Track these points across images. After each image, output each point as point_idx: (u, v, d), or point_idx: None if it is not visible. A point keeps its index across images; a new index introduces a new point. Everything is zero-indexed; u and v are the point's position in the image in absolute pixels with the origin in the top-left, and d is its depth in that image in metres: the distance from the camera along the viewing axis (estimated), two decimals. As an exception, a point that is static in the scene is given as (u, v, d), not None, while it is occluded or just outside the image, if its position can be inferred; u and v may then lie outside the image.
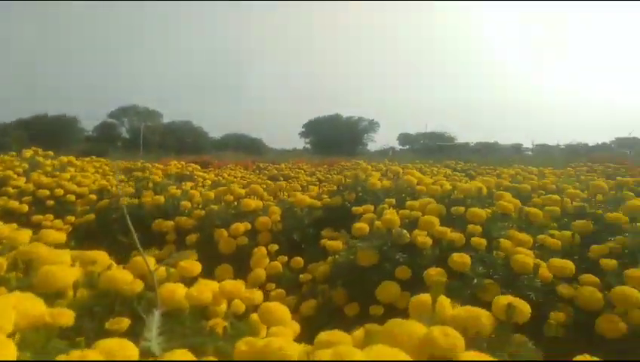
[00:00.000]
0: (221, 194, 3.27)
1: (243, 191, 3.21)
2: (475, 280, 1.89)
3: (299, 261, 2.66)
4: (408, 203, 2.60)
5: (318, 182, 7.56)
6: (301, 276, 2.49)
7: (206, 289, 1.29)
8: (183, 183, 4.01)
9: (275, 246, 2.70)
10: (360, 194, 3.39)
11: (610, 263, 1.95)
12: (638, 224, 2.17)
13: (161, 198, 3.36)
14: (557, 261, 1.98)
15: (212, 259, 2.88)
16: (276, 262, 2.60)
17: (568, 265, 1.96)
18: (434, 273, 1.86)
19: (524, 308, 1.03)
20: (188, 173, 6.22)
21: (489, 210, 2.41)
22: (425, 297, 1.05)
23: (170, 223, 3.15)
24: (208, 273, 2.67)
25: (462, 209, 2.36)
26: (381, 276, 2.09)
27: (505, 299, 1.02)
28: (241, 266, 2.76)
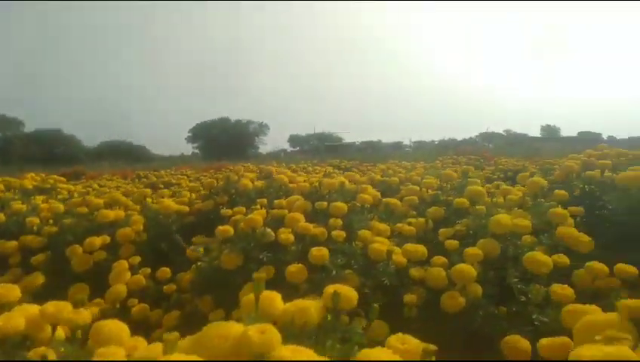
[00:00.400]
0: (73, 206, 2.94)
1: (101, 201, 2.93)
2: (334, 272, 1.93)
3: (165, 271, 2.50)
4: (276, 201, 2.60)
5: (202, 188, 7.28)
6: (165, 287, 2.34)
7: (16, 316, 1.11)
8: (32, 197, 3.54)
9: (138, 259, 2.51)
10: (233, 196, 3.32)
11: (452, 244, 2.14)
12: (477, 207, 2.41)
13: (1, 216, 2.92)
14: (410, 246, 2.12)
15: (67, 279, 2.59)
16: (139, 275, 2.41)
17: (420, 249, 2.11)
18: (294, 269, 1.87)
19: (351, 295, 1.06)
20: (49, 185, 5.55)
21: (352, 204, 2.50)
22: (252, 296, 1.03)
23: (13, 244, 2.75)
24: (62, 295, 2.39)
25: (325, 204, 2.41)
26: (246, 278, 2.04)
27: (332, 288, 1.04)
28: (100, 284, 2.51)
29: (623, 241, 2.23)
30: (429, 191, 3.09)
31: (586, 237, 2.02)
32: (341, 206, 2.34)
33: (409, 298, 1.93)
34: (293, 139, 42.85)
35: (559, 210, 2.11)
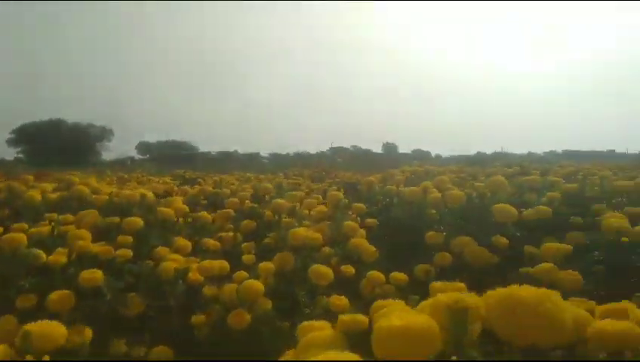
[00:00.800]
0: None
1: None
2: (109, 296, 1.73)
3: None
4: (61, 216, 2.27)
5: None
6: None
7: None
8: None
9: None
10: (20, 210, 2.83)
11: (249, 258, 2.11)
12: (284, 220, 2.44)
13: None
14: (206, 262, 2.01)
15: None
16: None
17: (216, 264, 2.02)
18: (56, 297, 1.61)
19: (55, 333, 0.90)
20: None
21: (153, 218, 2.31)
22: None
23: None
24: None
25: (117, 219, 2.18)
26: (3, 308, 1.71)
27: (28, 327, 0.87)
28: None
29: (408, 249, 2.47)
30: (247, 203, 3.05)
31: (372, 248, 2.16)
32: (135, 221, 2.14)
33: (197, 319, 1.83)
34: (143, 146, 39.80)
35: (351, 222, 2.24)
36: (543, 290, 0.56)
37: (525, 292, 0.56)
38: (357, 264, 2.15)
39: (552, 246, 2.05)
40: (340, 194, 2.59)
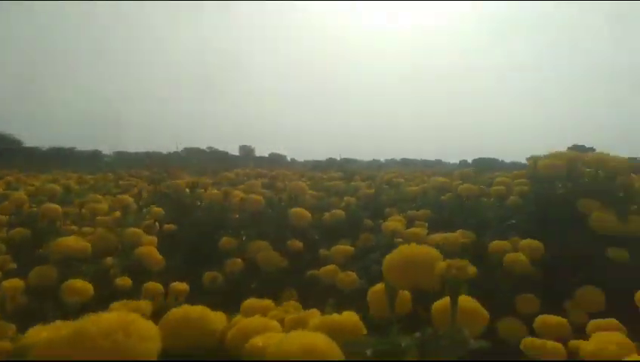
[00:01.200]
0: None
1: None
2: None
3: None
4: None
5: None
6: None
7: None
8: None
9: None
10: None
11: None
12: (63, 227, 2.12)
13: None
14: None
15: None
16: None
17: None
18: None
19: None
20: None
21: None
22: None
23: None
24: None
25: None
26: None
27: None
28: None
29: (207, 256, 2.36)
30: (26, 206, 2.60)
31: (158, 256, 2.00)
32: None
33: None
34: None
35: (135, 229, 2.04)
36: (123, 316, 0.49)
37: (98, 322, 0.48)
38: (143, 274, 1.96)
39: (339, 248, 2.14)
40: (129, 198, 2.35)
